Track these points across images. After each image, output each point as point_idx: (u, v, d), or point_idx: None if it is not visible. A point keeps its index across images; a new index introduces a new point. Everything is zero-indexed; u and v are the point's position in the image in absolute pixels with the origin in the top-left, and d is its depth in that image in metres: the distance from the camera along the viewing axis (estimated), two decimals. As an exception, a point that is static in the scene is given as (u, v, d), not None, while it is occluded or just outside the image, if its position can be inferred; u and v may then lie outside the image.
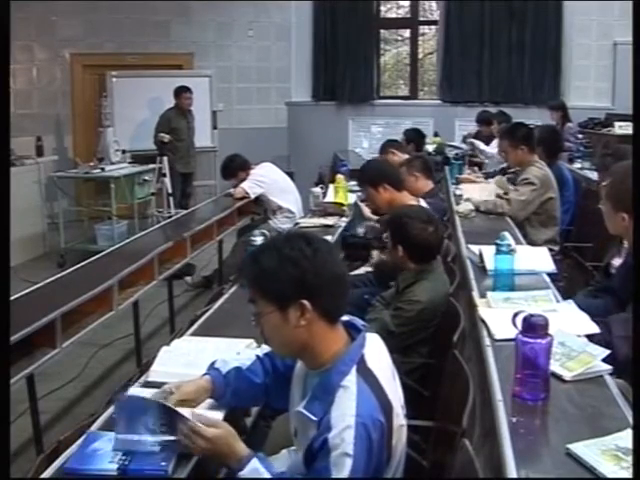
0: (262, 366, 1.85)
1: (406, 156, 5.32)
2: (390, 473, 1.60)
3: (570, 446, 1.47)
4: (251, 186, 5.41)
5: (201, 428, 1.57)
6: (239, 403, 1.89)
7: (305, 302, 1.54)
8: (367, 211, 4.27)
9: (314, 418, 1.53)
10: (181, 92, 7.12)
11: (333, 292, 1.58)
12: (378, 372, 1.59)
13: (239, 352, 2.12)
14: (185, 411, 1.63)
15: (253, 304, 1.61)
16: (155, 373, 2.05)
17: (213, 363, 1.88)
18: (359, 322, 1.69)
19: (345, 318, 1.67)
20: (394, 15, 10.10)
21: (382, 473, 1.57)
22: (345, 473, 1.44)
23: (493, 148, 6.11)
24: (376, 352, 1.65)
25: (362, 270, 3.91)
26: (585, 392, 1.76)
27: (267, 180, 5.45)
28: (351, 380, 1.53)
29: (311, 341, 1.58)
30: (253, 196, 5.43)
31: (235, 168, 5.53)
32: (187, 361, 2.10)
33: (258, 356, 1.87)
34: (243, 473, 1.54)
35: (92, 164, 6.72)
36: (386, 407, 1.54)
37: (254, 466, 1.55)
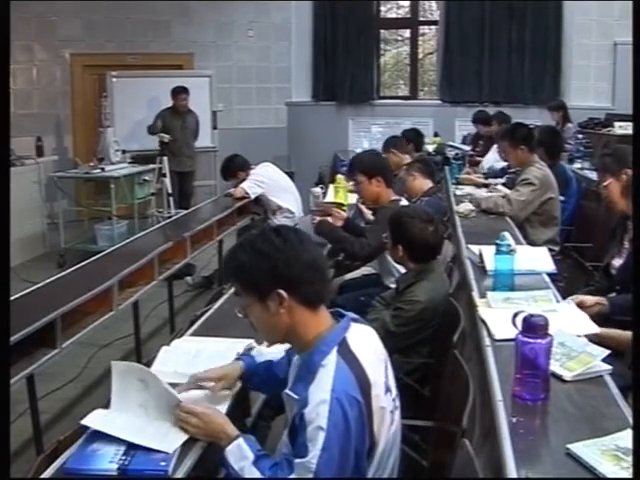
0: (288, 360, 1.90)
1: (406, 156, 5.33)
2: (375, 461, 1.62)
3: (570, 446, 1.47)
4: (251, 186, 5.41)
5: (194, 407, 1.72)
6: (264, 392, 2.04)
7: (281, 292, 1.61)
8: (367, 212, 4.27)
9: (296, 397, 1.59)
10: (176, 93, 7.10)
11: (308, 279, 1.64)
12: (361, 355, 1.62)
13: (239, 352, 2.12)
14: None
15: (239, 297, 1.70)
16: (155, 373, 2.04)
17: (250, 349, 2.07)
18: (349, 313, 1.74)
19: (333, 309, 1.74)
20: (394, 15, 10.10)
21: (363, 457, 1.58)
22: (318, 447, 1.49)
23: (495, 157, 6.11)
24: (363, 339, 1.70)
25: (358, 273, 3.91)
26: (585, 392, 1.76)
27: (267, 180, 5.45)
28: (331, 359, 1.59)
29: (294, 327, 1.65)
30: (253, 196, 5.43)
31: (235, 168, 5.54)
32: (187, 361, 2.10)
33: (286, 350, 1.93)
34: (228, 450, 1.64)
35: (92, 164, 6.71)
36: (364, 386, 1.58)
37: (238, 443, 1.65)
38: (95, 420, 1.68)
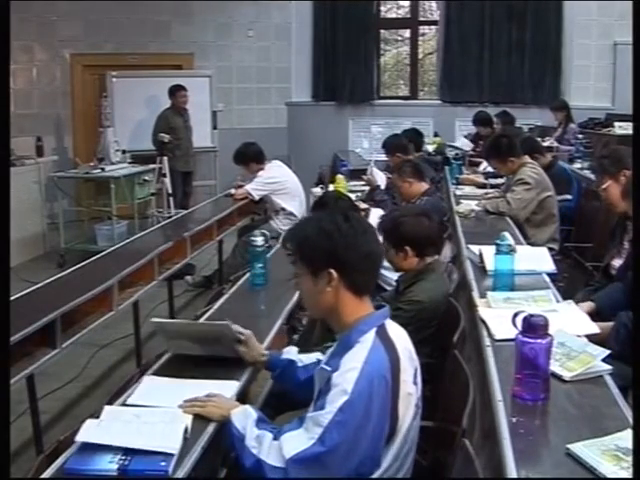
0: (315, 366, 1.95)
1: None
2: (394, 450, 1.62)
3: (570, 446, 1.47)
4: (255, 189, 5.31)
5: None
6: (285, 385, 2.10)
7: (333, 272, 1.68)
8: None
9: (329, 369, 1.63)
10: (176, 91, 7.11)
11: (361, 267, 1.70)
12: (397, 341, 1.68)
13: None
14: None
15: (294, 265, 1.77)
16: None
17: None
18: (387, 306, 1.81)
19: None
20: (394, 15, 10.10)
21: (381, 439, 1.58)
22: (336, 406, 1.51)
23: None
24: (398, 331, 1.75)
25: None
26: (585, 392, 1.76)
27: (274, 182, 5.31)
28: (368, 338, 1.64)
29: (337, 307, 1.71)
30: (257, 198, 5.38)
31: (249, 157, 5.38)
32: None
33: (319, 359, 1.99)
34: (234, 412, 1.72)
35: (92, 164, 6.70)
36: (395, 369, 1.61)
37: (245, 407, 1.75)
38: (89, 433, 1.64)
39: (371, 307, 1.75)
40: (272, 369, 2.09)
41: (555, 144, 6.76)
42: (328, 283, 1.68)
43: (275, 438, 1.60)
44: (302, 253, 1.74)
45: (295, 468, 1.53)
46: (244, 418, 1.69)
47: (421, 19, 9.67)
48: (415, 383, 1.71)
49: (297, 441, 1.55)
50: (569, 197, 4.49)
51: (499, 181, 5.12)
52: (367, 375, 1.55)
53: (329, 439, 1.50)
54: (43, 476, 1.57)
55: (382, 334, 1.66)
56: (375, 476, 1.60)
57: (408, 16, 9.66)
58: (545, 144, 6.52)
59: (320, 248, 1.69)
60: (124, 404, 1.86)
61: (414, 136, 6.27)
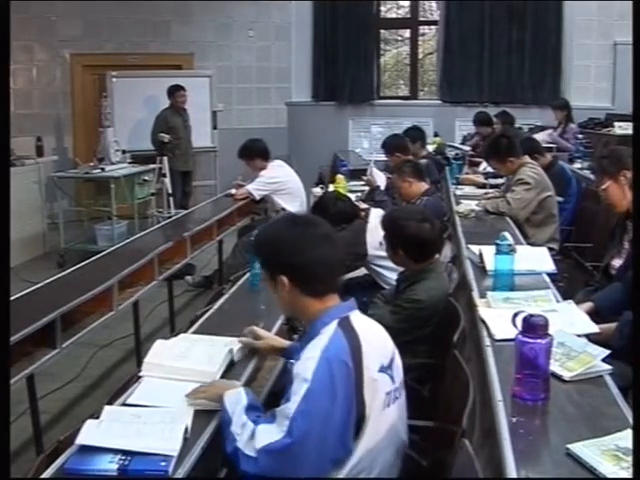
0: None
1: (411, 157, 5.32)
2: (367, 433, 1.63)
3: (570, 446, 1.47)
4: (257, 189, 5.30)
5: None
6: None
7: (284, 278, 1.70)
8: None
9: (294, 362, 1.68)
10: (175, 91, 7.13)
11: (314, 272, 1.69)
12: (361, 332, 1.67)
13: (231, 349, 2.12)
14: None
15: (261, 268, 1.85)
16: (148, 365, 2.06)
17: None
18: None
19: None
20: (394, 15, 10.11)
21: (349, 426, 1.59)
22: (300, 394, 1.54)
23: None
24: (366, 324, 1.75)
25: (359, 272, 3.90)
26: (585, 392, 1.76)
27: (276, 182, 5.31)
28: (330, 328, 1.66)
29: (298, 308, 1.76)
30: (258, 198, 5.37)
31: (255, 152, 5.36)
32: (180, 353, 2.11)
33: None
34: (227, 393, 1.75)
35: (92, 164, 6.70)
36: (356, 355, 1.62)
37: (239, 390, 1.77)
38: (89, 436, 1.63)
39: (336, 300, 1.74)
40: (289, 357, 2.08)
41: (555, 135, 6.79)
42: (282, 288, 1.71)
43: None
44: (259, 258, 1.81)
45: (265, 458, 1.57)
46: (235, 402, 1.71)
47: (421, 19, 9.68)
48: (385, 372, 1.70)
49: (269, 433, 1.59)
50: (560, 199, 4.47)
51: (499, 181, 5.11)
52: (326, 361, 1.57)
53: (296, 428, 1.54)
54: (43, 476, 1.56)
55: (344, 324, 1.67)
56: (346, 469, 1.61)
57: (408, 16, 9.67)
58: (545, 134, 6.55)
59: (268, 255, 1.75)
60: (124, 404, 1.86)
61: (418, 133, 6.25)
